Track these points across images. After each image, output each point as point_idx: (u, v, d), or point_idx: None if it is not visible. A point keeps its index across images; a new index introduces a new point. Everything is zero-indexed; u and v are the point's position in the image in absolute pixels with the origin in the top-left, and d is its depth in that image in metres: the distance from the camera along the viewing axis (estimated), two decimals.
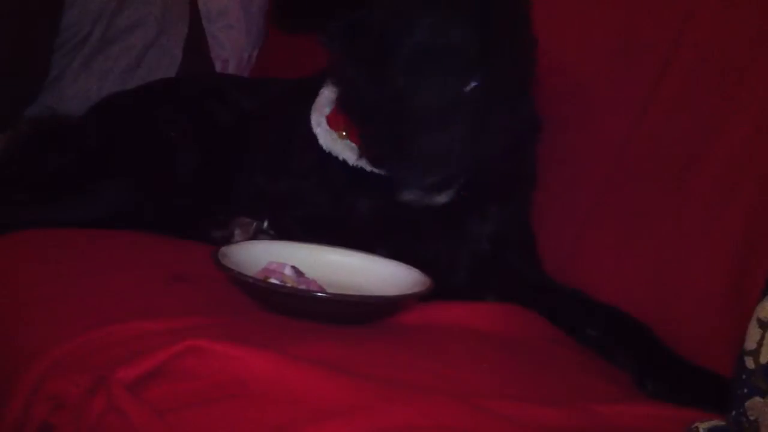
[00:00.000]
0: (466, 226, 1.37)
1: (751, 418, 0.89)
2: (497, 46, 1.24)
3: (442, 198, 1.32)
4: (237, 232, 1.52)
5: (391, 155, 1.26)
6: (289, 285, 1.16)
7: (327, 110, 1.41)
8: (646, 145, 1.41)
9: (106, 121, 1.73)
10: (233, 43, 2.32)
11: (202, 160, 1.62)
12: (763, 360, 0.89)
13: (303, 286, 1.18)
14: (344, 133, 1.38)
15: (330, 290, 1.20)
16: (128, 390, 0.95)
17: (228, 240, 1.46)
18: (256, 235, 1.49)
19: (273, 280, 1.17)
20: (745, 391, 0.90)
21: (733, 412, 0.90)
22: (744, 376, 0.90)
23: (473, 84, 1.23)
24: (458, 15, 1.24)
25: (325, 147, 1.39)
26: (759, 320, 0.91)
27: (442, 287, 1.24)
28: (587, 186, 1.46)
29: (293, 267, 1.20)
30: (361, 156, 1.35)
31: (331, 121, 1.40)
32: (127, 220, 1.54)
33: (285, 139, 1.55)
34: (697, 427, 0.93)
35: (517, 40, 1.29)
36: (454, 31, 1.23)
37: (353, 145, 1.36)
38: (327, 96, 1.42)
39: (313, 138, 1.41)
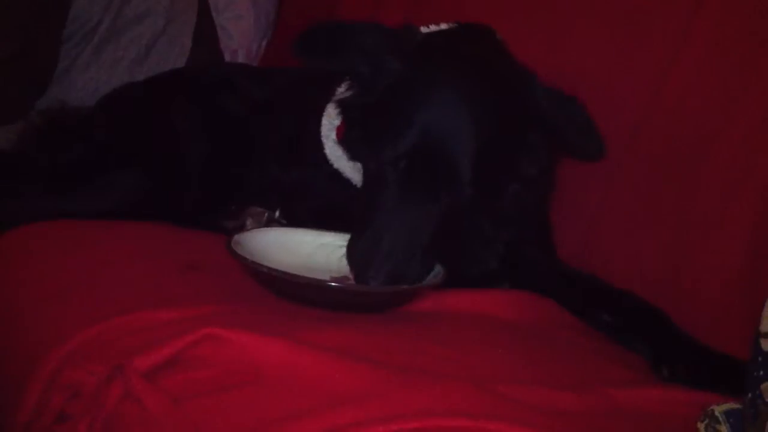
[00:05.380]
0: (474, 249, 1.36)
1: None
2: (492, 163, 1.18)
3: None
4: (249, 221, 1.51)
5: (352, 237, 1.21)
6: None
7: (337, 121, 1.37)
8: (658, 130, 1.40)
9: (117, 113, 1.73)
10: (242, 33, 2.32)
11: (212, 151, 1.62)
12: None
13: None
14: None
15: (344, 278, 1.20)
16: (145, 378, 0.96)
17: (240, 230, 1.45)
18: (269, 224, 1.49)
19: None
20: (761, 373, 0.89)
21: (749, 395, 0.90)
22: (760, 359, 0.90)
23: (454, 197, 1.18)
24: (466, 128, 1.17)
25: (331, 160, 1.38)
26: None
27: (456, 279, 1.24)
28: (599, 172, 1.46)
29: None
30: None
31: (340, 133, 1.37)
32: (139, 210, 1.54)
33: (297, 129, 1.55)
34: (713, 410, 0.93)
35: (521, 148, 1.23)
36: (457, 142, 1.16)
37: (359, 165, 1.33)
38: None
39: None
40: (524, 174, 1.25)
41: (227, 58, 2.31)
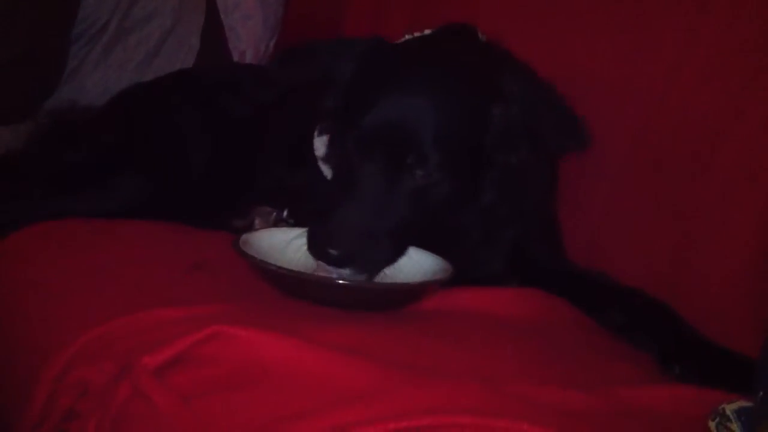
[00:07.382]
0: (478, 250, 1.35)
1: None
2: (455, 137, 1.20)
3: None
4: (257, 221, 1.52)
5: (313, 220, 1.22)
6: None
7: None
8: (664, 131, 1.40)
9: (123, 115, 1.73)
10: (250, 34, 2.33)
11: (216, 152, 1.63)
12: None
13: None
14: None
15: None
16: (153, 376, 0.96)
17: (248, 229, 1.46)
18: (276, 224, 1.49)
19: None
20: None
21: (761, 393, 0.90)
22: None
23: (419, 173, 1.19)
24: (423, 102, 1.20)
25: (322, 168, 1.38)
26: None
27: (463, 281, 1.23)
28: (607, 171, 1.45)
29: None
30: None
31: None
32: (145, 211, 1.54)
33: (300, 130, 1.55)
34: (724, 409, 0.93)
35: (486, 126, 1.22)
36: (412, 118, 1.19)
37: None
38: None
39: None
40: (501, 162, 1.24)
41: (235, 58, 2.31)
